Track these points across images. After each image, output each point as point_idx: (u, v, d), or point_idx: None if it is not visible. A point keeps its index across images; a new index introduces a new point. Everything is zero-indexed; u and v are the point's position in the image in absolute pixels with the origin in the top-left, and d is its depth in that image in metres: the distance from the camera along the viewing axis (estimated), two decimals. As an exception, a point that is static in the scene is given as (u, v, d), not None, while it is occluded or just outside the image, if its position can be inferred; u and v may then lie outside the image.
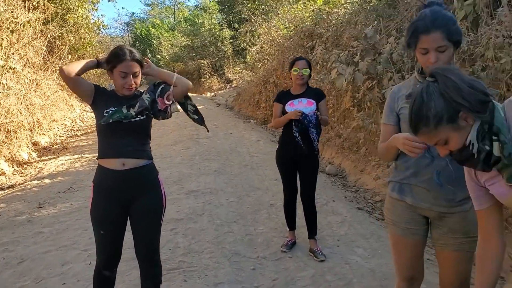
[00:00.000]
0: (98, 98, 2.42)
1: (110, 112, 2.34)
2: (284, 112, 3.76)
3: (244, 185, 5.81)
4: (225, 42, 24.45)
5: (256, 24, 24.34)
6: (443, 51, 1.80)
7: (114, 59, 2.34)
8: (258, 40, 18.38)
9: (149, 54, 44.58)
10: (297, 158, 3.76)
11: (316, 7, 10.61)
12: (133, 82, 2.37)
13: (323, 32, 8.65)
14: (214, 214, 4.73)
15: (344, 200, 5.44)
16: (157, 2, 55.42)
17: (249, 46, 25.17)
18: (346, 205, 5.21)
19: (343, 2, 9.30)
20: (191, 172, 6.46)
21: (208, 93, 22.55)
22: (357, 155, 6.72)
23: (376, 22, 6.50)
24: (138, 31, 47.70)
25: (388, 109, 2.09)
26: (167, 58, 35.12)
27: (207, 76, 24.37)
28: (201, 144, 8.40)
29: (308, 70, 3.74)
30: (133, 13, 55.27)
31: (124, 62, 2.31)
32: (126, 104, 2.38)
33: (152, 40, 43.84)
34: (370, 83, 6.10)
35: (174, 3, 50.84)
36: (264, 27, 15.90)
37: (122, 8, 76.42)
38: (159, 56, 37.03)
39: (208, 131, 2.87)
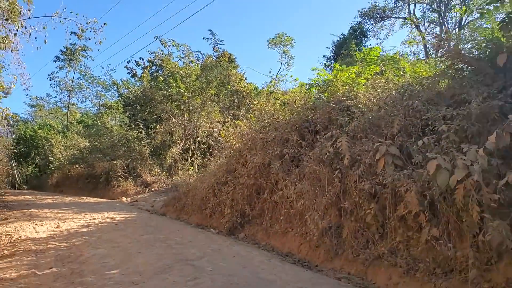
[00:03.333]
0: None
1: None
2: None
3: None
4: (142, 142, 22.13)
5: (176, 124, 22.77)
6: None
7: None
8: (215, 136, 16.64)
9: (37, 157, 40.05)
10: None
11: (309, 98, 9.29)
12: None
13: (346, 121, 7.16)
14: None
15: None
16: (43, 103, 51.55)
17: (169, 145, 23.32)
18: None
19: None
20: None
21: (124, 198, 19.56)
22: (449, 281, 4.88)
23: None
24: (22, 132, 42.82)
25: None
26: (62, 161, 31.22)
27: (121, 179, 21.41)
28: (204, 269, 5.87)
29: None
30: (15, 114, 50.06)
31: None
32: None
33: (38, 142, 39.48)
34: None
35: (67, 105, 47.40)
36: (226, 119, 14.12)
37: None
38: (51, 158, 32.90)
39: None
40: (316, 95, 8.92)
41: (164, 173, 21.85)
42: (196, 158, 22.38)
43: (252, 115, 11.47)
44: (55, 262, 6.72)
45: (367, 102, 7.38)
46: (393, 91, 6.99)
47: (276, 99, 13.50)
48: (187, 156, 22.53)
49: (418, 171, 5.06)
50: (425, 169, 4.87)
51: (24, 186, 43.33)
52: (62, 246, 8.06)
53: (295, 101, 9.49)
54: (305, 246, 7.64)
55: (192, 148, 22.60)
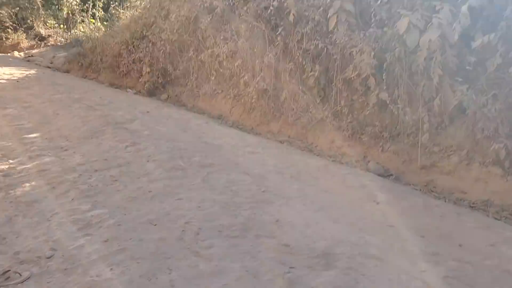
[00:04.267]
0: None
1: None
2: None
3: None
4: (30, -13, 19.09)
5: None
6: None
7: None
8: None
9: None
10: None
11: None
12: None
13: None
14: None
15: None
16: None
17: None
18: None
19: None
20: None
21: (17, 52, 17.35)
22: (398, 145, 4.89)
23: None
24: None
25: None
26: None
27: (10, 30, 18.74)
28: (141, 134, 5.30)
29: None
30: None
31: None
32: None
33: None
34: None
35: None
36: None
37: None
38: None
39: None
40: None
41: (61, 26, 19.48)
42: (97, 9, 20.01)
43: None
44: (-47, 123, 5.73)
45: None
46: None
47: None
48: (87, 8, 20.03)
49: (383, 30, 4.71)
50: (391, 28, 4.53)
51: None
52: (-44, 105, 6.91)
53: None
54: (238, 109, 7.33)
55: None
